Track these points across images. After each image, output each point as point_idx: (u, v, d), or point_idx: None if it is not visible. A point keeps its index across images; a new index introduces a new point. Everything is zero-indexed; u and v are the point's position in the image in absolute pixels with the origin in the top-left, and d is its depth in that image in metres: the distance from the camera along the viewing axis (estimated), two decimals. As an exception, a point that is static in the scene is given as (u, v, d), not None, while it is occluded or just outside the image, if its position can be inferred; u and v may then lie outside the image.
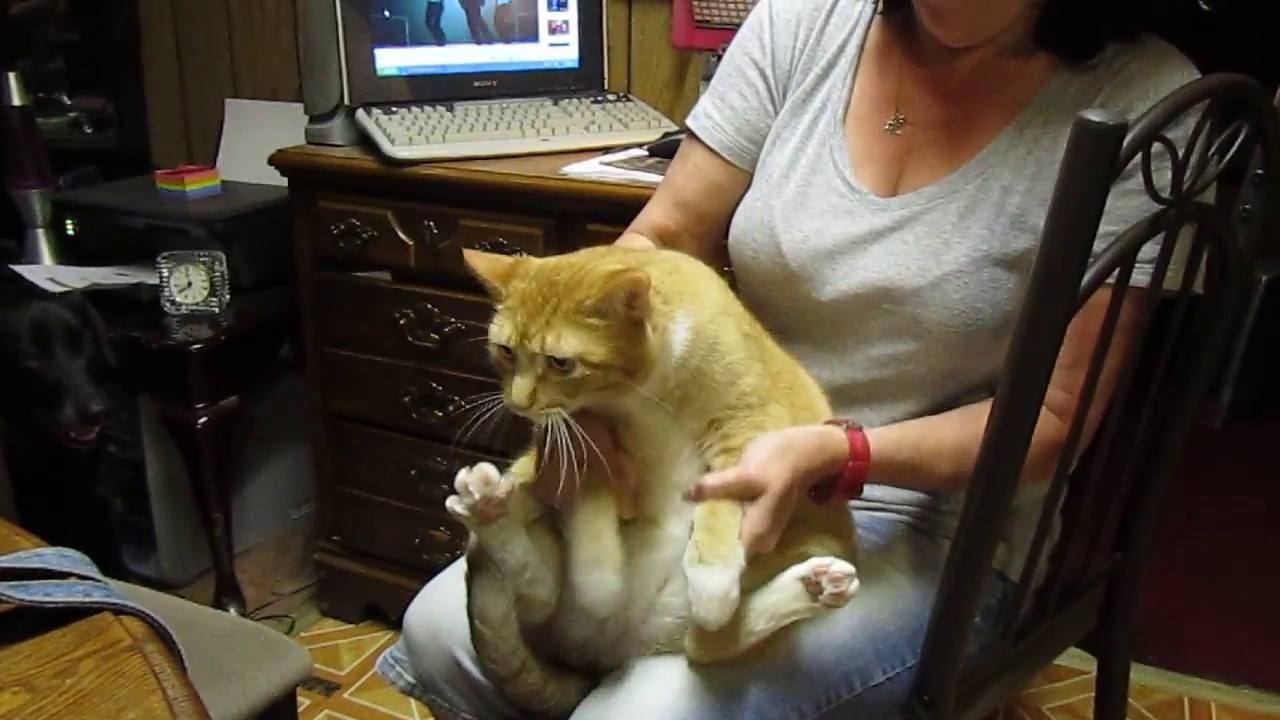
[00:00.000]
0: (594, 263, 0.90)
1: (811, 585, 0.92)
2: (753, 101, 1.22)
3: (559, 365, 0.86)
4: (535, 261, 0.92)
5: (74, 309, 1.77)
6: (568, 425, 0.87)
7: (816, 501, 1.01)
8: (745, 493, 0.92)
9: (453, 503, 0.92)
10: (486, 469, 0.91)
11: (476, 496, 0.91)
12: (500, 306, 0.91)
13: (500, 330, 0.89)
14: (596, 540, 0.93)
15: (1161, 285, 1.00)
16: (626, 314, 0.87)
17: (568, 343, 0.85)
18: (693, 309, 0.93)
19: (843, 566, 0.92)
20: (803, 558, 0.95)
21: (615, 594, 0.93)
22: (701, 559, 0.90)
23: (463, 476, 0.91)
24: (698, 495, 0.93)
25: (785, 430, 0.97)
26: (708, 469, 0.95)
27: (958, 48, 1.09)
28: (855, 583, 0.92)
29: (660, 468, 0.96)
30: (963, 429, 1.06)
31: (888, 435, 1.04)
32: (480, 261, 0.92)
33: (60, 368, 1.69)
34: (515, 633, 1.00)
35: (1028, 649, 1.19)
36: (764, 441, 0.94)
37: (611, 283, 0.85)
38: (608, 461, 0.93)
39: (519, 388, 0.87)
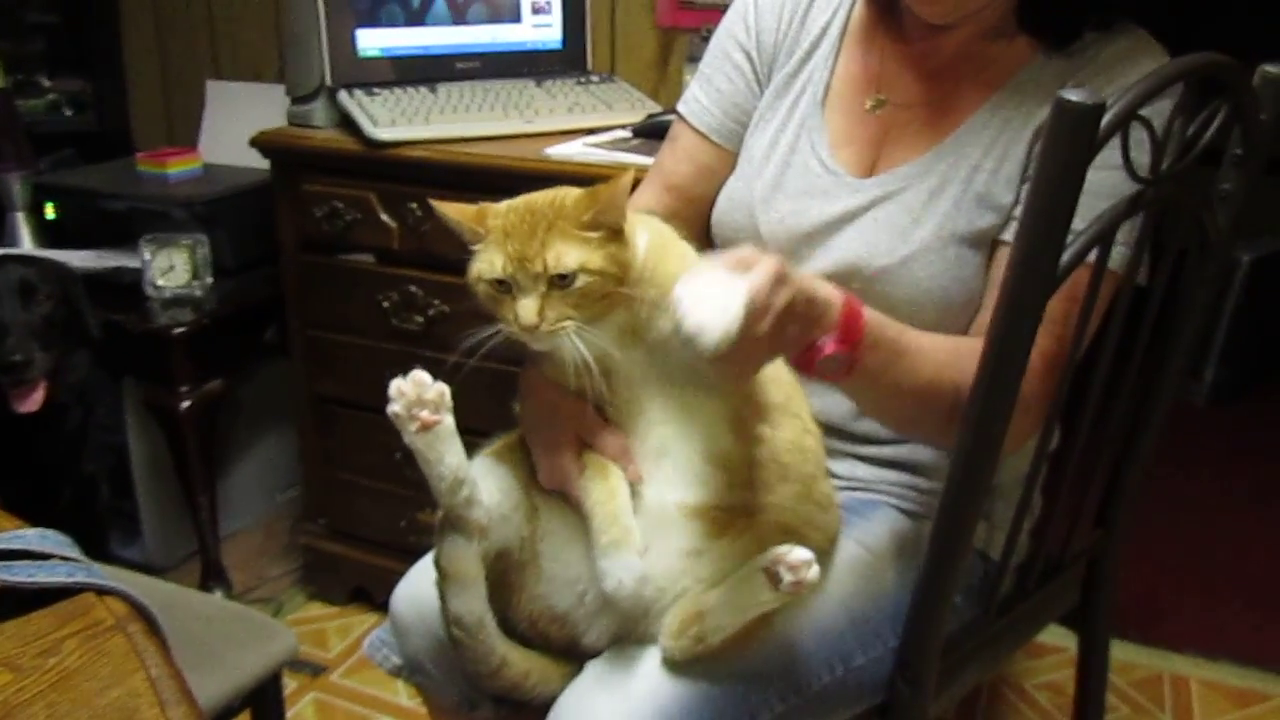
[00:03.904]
0: (565, 189, 0.93)
1: (771, 575, 0.92)
2: (739, 84, 1.23)
3: (560, 280, 0.88)
4: (501, 204, 0.94)
5: (44, 270, 1.76)
6: (579, 337, 0.89)
7: (804, 366, 0.92)
8: (741, 265, 0.82)
9: (390, 406, 0.91)
10: (420, 373, 0.92)
11: (411, 395, 0.91)
12: (479, 246, 0.93)
13: (492, 264, 0.90)
14: (615, 522, 0.93)
15: (1138, 265, 1.00)
16: (614, 221, 0.90)
17: (570, 256, 0.88)
18: (645, 225, 0.97)
19: (800, 554, 0.91)
20: (785, 525, 0.97)
21: (640, 577, 0.93)
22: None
23: (397, 382, 0.91)
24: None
25: None
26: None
27: (940, 25, 1.10)
28: (815, 569, 0.91)
29: (637, 432, 0.97)
30: (946, 345, 1.02)
31: (875, 313, 0.95)
32: (449, 209, 0.94)
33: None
34: (492, 633, 1.00)
35: (1009, 625, 1.20)
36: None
37: (605, 193, 0.89)
38: (603, 435, 0.95)
39: (526, 307, 0.89)
